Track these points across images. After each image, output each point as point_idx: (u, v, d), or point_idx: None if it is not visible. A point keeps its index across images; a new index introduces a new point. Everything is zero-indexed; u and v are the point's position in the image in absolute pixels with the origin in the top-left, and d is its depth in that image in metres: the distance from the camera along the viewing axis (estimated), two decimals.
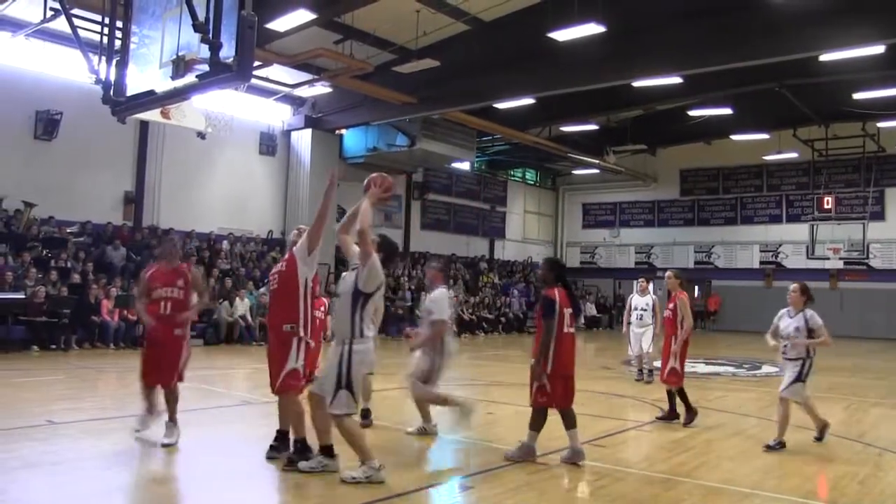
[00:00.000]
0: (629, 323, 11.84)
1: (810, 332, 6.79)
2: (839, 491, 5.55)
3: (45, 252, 15.53)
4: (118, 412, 7.08)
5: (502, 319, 24.65)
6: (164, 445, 6.06)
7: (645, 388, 11.07)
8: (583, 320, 28.15)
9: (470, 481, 5.58)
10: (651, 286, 12.33)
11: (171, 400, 6.24)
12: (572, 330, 6.15)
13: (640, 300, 11.83)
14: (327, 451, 5.44)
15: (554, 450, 6.43)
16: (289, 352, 5.51)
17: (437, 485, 5.55)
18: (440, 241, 28.32)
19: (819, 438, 7.06)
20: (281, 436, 5.81)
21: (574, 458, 6.00)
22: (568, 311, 6.11)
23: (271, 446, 5.80)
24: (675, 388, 7.99)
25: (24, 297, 13.44)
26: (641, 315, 11.70)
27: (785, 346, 6.88)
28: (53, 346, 13.58)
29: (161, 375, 6.23)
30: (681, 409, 8.01)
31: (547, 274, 6.38)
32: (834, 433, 7.87)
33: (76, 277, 15.10)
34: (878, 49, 14.70)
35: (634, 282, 12.48)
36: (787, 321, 6.94)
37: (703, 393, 10.62)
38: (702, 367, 14.37)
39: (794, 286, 7.09)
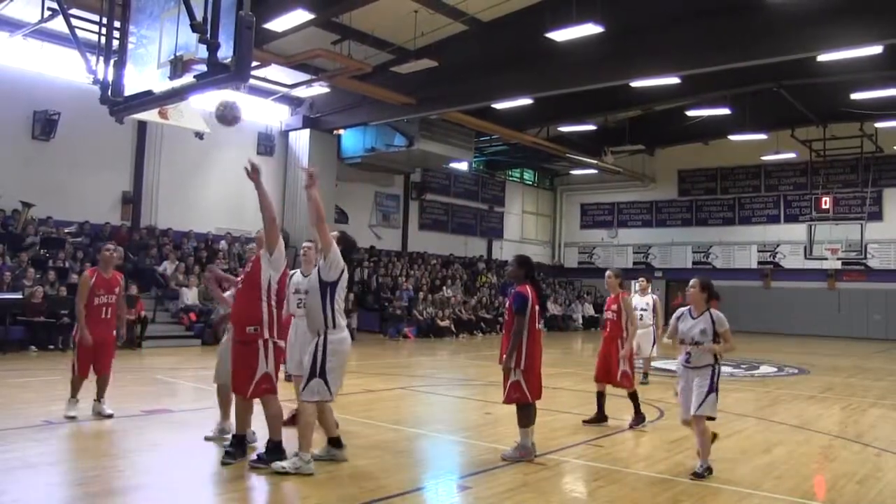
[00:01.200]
0: None
1: (716, 336, 5.85)
2: (837, 491, 5.56)
3: (43, 252, 15.53)
4: (116, 412, 7.08)
5: (500, 320, 24.62)
6: (70, 417, 6.95)
7: (643, 389, 11.02)
8: (581, 321, 28.25)
9: (468, 481, 5.58)
10: (650, 286, 12.30)
11: (105, 385, 7.27)
12: (540, 326, 6.28)
13: (641, 300, 11.70)
14: (335, 442, 5.75)
15: (553, 449, 6.45)
16: (255, 355, 5.44)
17: (436, 485, 5.55)
18: (438, 241, 28.33)
19: (700, 475, 5.67)
20: (237, 440, 5.71)
21: (525, 455, 6.01)
22: (537, 308, 6.23)
23: (227, 451, 5.66)
24: (630, 391, 7.84)
25: (21, 297, 13.43)
26: (641, 315, 11.62)
27: (688, 352, 5.89)
28: (51, 347, 13.56)
29: (101, 367, 7.23)
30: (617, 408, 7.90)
31: (517, 271, 6.39)
32: (832, 434, 7.90)
33: (74, 278, 15.06)
34: (877, 49, 14.72)
35: (633, 282, 12.39)
36: (689, 322, 5.93)
37: None
38: None
39: (693, 281, 6.05)
